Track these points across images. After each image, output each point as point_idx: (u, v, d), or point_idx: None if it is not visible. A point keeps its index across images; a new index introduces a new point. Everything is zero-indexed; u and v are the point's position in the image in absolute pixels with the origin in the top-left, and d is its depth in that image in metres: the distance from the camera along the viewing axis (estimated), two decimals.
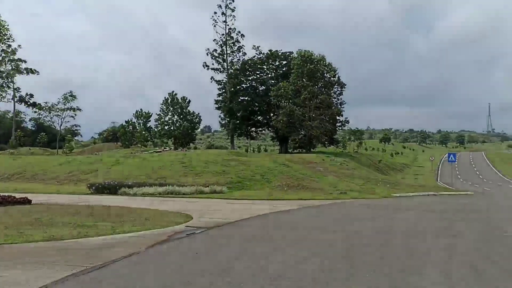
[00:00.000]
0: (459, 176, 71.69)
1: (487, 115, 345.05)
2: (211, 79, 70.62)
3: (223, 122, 71.24)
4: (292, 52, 69.65)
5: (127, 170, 32.97)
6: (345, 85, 67.20)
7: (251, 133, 77.93)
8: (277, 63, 73.29)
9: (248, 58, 71.70)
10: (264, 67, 73.58)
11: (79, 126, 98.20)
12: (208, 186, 25.27)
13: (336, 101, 67.45)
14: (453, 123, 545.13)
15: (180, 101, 67.21)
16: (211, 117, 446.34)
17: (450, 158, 34.52)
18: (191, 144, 74.53)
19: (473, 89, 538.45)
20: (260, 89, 74.74)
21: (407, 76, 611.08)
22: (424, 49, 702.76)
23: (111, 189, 24.75)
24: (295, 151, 70.52)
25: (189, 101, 67.65)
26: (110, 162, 36.97)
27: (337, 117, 68.09)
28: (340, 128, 73.72)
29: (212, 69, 70.19)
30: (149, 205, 17.75)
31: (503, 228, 12.79)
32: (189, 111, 67.39)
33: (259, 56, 72.28)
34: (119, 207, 16.80)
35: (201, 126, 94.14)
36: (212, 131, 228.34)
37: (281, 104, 63.52)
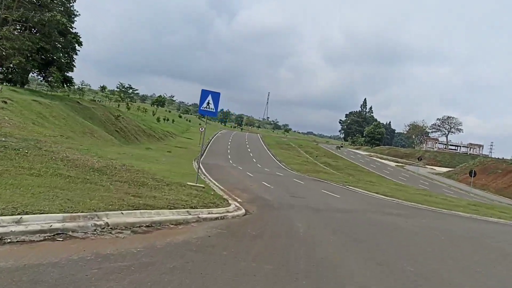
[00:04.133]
0: (229, 157, 54.75)
1: (266, 103, 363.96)
2: None
3: None
4: None
5: None
6: None
7: None
8: None
9: None
10: None
11: None
12: None
13: (61, 7, 40.94)
14: (237, 107, 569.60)
15: None
16: None
17: (203, 105, 12.94)
18: None
19: (259, 79, 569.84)
20: None
21: (206, 56, 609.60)
22: (225, 33, 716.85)
23: None
24: None
25: None
26: None
27: (66, 35, 41.95)
28: (74, 53, 47.78)
29: None
30: None
31: None
32: None
33: None
34: None
35: None
36: None
37: None
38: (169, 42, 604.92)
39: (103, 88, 66.41)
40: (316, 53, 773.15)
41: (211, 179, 20.17)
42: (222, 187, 16.53)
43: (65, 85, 49.78)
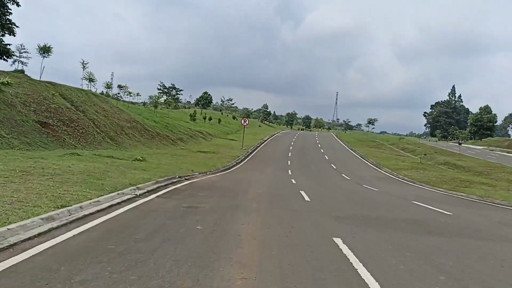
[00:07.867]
0: (289, 163, 31.11)
1: (335, 103, 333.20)
2: None
3: None
4: None
5: None
6: None
7: None
8: None
9: None
10: None
11: None
12: None
13: None
14: (304, 111, 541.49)
15: None
16: None
17: None
18: None
19: (327, 83, 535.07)
20: None
21: (273, 63, 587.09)
22: (292, 38, 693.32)
23: None
24: None
25: None
26: None
27: None
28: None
29: None
30: None
31: None
32: None
33: None
34: None
35: None
36: None
37: None
38: (236, 52, 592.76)
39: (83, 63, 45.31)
40: (387, 52, 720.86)
41: None
42: None
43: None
